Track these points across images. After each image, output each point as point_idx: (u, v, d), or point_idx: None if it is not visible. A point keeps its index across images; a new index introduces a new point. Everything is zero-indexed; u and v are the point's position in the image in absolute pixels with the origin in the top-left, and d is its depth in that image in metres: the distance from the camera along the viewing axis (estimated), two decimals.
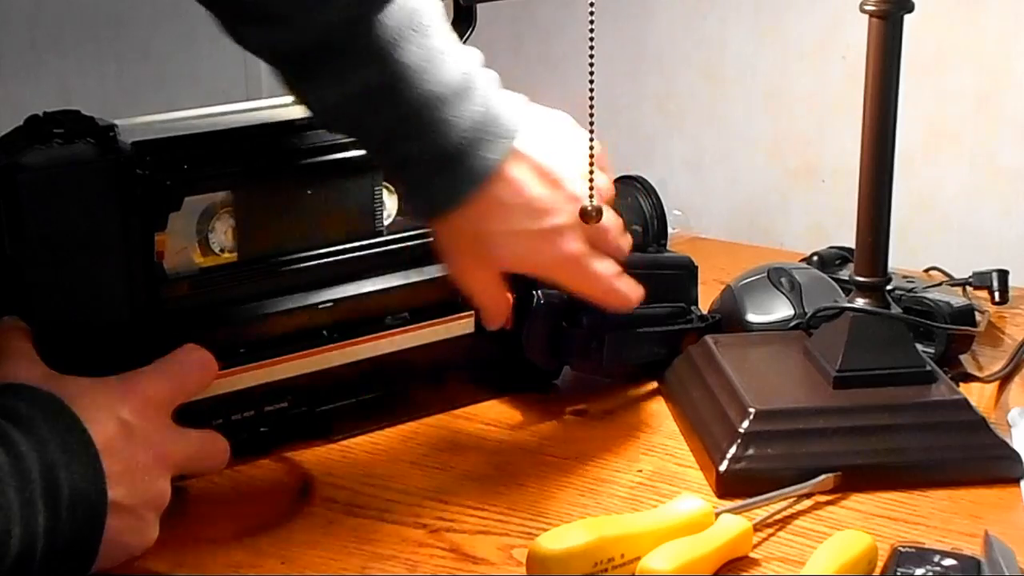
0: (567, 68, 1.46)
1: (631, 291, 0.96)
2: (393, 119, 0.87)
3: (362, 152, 0.93)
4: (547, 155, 0.91)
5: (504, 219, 0.90)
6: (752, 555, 0.81)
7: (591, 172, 0.93)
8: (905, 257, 1.10)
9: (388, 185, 0.97)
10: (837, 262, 1.17)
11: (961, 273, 1.19)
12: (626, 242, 0.97)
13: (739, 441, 0.89)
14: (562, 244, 0.92)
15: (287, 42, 0.86)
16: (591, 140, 0.92)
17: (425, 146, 0.87)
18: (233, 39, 0.88)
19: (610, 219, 0.94)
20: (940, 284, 1.15)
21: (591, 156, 0.93)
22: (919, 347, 0.97)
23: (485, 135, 0.88)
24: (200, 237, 0.90)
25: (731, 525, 0.81)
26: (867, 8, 0.91)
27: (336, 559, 0.82)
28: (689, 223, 1.35)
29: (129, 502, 0.77)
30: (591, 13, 0.88)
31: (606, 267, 0.94)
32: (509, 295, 0.96)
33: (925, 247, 1.31)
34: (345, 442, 0.95)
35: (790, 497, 0.86)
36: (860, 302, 0.95)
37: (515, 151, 0.89)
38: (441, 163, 0.88)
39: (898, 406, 0.92)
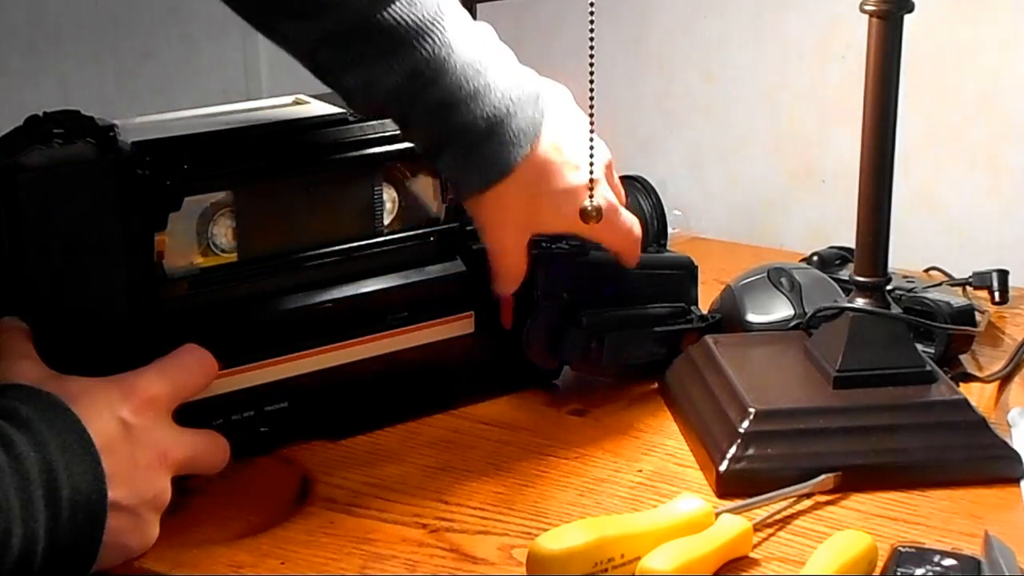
0: (567, 68, 1.45)
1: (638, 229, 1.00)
2: (442, 92, 0.87)
3: (362, 152, 0.93)
4: (567, 112, 0.94)
5: (552, 179, 0.92)
6: (752, 555, 0.81)
7: (591, 170, 0.93)
8: (905, 257, 1.10)
9: (388, 184, 0.97)
10: (837, 262, 1.17)
11: (961, 273, 1.19)
12: (621, 191, 1.01)
13: (739, 441, 0.89)
14: (600, 195, 0.93)
15: (333, 30, 0.86)
16: (591, 139, 0.92)
17: (474, 113, 0.88)
18: (269, 36, 0.89)
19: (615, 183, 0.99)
20: (940, 284, 1.15)
21: (591, 154, 0.93)
22: (919, 347, 0.97)
23: (523, 97, 0.90)
24: (200, 237, 0.90)
25: (731, 525, 0.81)
26: (867, 8, 0.91)
27: (336, 559, 0.82)
28: (689, 223, 1.35)
29: (129, 502, 0.77)
30: (591, 13, 0.88)
31: (629, 217, 0.98)
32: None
33: (925, 247, 1.31)
34: (345, 442, 0.95)
35: (790, 497, 0.86)
36: (860, 302, 0.95)
37: (547, 108, 0.92)
38: (490, 128, 0.88)
39: (898, 406, 0.92)
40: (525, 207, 0.93)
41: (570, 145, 0.93)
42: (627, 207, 1.03)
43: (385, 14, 0.85)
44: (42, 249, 0.83)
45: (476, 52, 0.88)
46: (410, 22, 0.86)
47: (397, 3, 0.86)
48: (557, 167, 0.92)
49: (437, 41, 0.86)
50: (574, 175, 0.93)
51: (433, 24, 0.86)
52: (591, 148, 0.92)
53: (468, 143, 0.89)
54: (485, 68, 0.88)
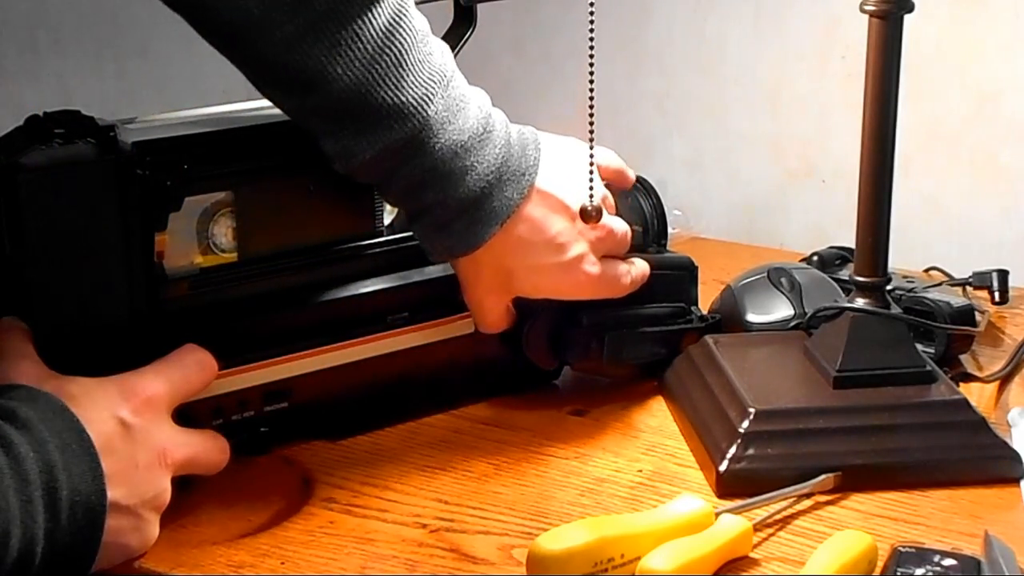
0: (567, 68, 1.46)
1: (641, 272, 1.00)
2: (418, 171, 0.89)
3: None
4: (562, 188, 0.94)
5: (526, 256, 0.93)
6: (752, 555, 0.81)
7: (591, 170, 0.93)
8: (905, 257, 1.10)
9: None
10: (837, 262, 1.17)
11: (961, 273, 1.19)
12: (627, 236, 0.99)
13: (739, 441, 0.89)
14: (582, 271, 0.95)
15: (314, 105, 0.87)
16: (591, 140, 0.92)
17: (448, 193, 0.89)
18: (262, 95, 0.90)
19: (609, 219, 0.96)
20: (940, 284, 1.15)
21: (591, 154, 0.93)
22: (919, 347, 0.97)
23: (504, 177, 0.91)
24: (200, 237, 0.90)
25: (731, 525, 0.81)
26: (867, 8, 0.91)
27: (336, 559, 0.82)
28: (689, 223, 1.35)
29: (129, 502, 0.77)
30: (591, 13, 0.88)
31: (619, 269, 0.98)
32: (512, 312, 0.98)
33: (925, 247, 1.31)
34: (345, 442, 0.95)
35: (790, 497, 0.86)
36: (860, 302, 0.95)
37: (533, 188, 0.92)
38: (463, 208, 0.90)
39: (898, 406, 0.92)
40: (499, 275, 0.94)
41: (557, 223, 0.93)
42: (627, 207, 1.03)
43: (370, 96, 0.86)
44: (42, 249, 0.83)
45: (460, 134, 0.89)
46: (393, 105, 0.87)
47: (383, 87, 0.86)
48: (533, 246, 0.93)
49: (418, 124, 0.87)
50: (552, 255, 0.94)
51: (417, 108, 0.87)
52: (591, 143, 0.93)
53: (439, 219, 0.91)
54: (467, 151, 0.89)
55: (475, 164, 0.90)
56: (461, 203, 0.90)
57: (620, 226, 0.98)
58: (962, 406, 0.92)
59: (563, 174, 0.94)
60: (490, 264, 0.93)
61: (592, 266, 0.95)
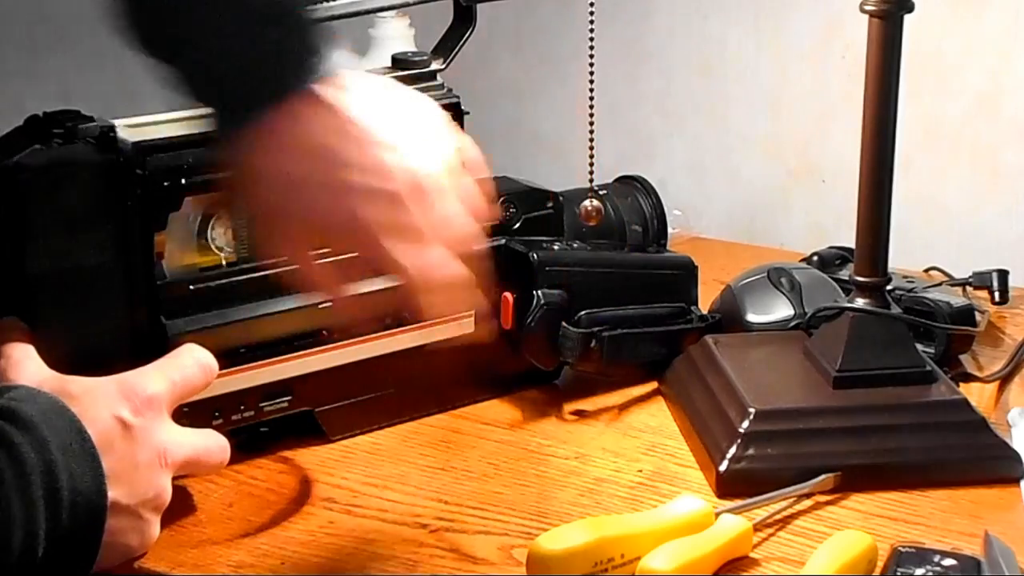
0: (567, 68, 1.46)
1: (460, 275, 0.80)
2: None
3: None
4: (365, 113, 0.79)
5: (288, 161, 0.78)
6: (752, 555, 0.81)
7: (591, 171, 0.93)
8: (905, 257, 1.10)
9: None
10: (837, 262, 1.17)
11: (961, 273, 1.19)
12: (465, 228, 0.81)
13: (739, 441, 0.89)
14: (351, 206, 0.78)
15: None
16: (591, 139, 0.92)
17: (234, 47, 0.78)
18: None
19: (443, 201, 0.80)
20: (940, 284, 1.15)
21: (591, 154, 0.93)
22: (919, 347, 0.97)
23: (294, 60, 0.78)
24: (200, 237, 0.90)
25: (731, 525, 0.81)
26: (867, 8, 0.91)
27: (336, 559, 0.82)
28: (689, 223, 1.35)
29: (129, 502, 0.77)
30: (591, 13, 0.89)
31: (431, 252, 0.79)
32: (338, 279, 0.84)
33: (925, 247, 1.31)
34: (345, 442, 0.95)
35: (790, 497, 0.86)
36: (860, 302, 0.95)
37: (322, 91, 0.78)
38: (242, 73, 0.78)
39: (898, 406, 0.92)
40: (264, 192, 0.80)
41: (335, 137, 0.78)
42: (627, 207, 1.03)
43: None
44: (42, 250, 0.83)
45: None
46: None
47: None
48: (293, 150, 0.78)
49: None
50: (314, 167, 0.78)
51: None
52: (591, 141, 0.93)
53: (217, 84, 0.79)
54: (273, 20, 0.77)
55: (273, 37, 0.77)
56: (243, 66, 0.77)
57: (457, 215, 0.80)
58: (962, 406, 0.92)
59: (386, 109, 0.81)
60: (257, 171, 0.78)
61: (369, 209, 0.77)
